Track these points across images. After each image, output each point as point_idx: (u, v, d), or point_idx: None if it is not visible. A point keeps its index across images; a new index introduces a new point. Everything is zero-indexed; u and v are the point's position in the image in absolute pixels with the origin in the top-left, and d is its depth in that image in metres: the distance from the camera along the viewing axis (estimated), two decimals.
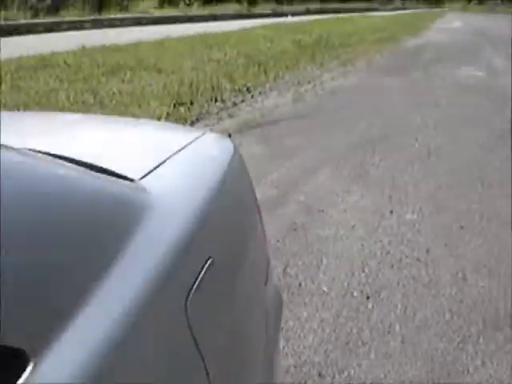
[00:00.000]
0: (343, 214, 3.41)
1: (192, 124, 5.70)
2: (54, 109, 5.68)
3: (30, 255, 0.58)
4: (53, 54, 9.09)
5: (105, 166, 0.94)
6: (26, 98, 6.13)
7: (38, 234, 0.60)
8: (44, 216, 0.63)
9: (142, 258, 0.70)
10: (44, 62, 8.44)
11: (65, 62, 8.49)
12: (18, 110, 5.58)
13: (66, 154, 0.97)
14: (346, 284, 2.61)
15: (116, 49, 10.20)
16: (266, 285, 1.22)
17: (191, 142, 1.20)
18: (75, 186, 0.73)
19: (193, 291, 0.76)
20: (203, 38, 12.55)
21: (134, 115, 5.58)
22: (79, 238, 0.66)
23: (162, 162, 1.01)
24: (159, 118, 5.53)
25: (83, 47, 10.08)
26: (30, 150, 0.94)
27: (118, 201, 0.75)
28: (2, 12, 14.71)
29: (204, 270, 0.80)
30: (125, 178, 0.87)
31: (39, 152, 0.95)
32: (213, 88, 7.08)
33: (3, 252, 0.52)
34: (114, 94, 6.53)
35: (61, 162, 0.87)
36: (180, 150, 1.11)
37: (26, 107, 5.71)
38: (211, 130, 5.43)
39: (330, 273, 2.70)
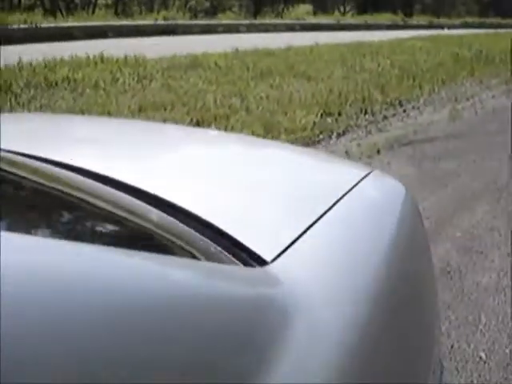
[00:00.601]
0: (506, 258, 2.93)
1: (338, 136, 5.38)
2: (200, 111, 5.60)
3: None
4: (205, 55, 9.15)
5: (213, 222, 0.65)
6: (175, 97, 6.12)
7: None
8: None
9: None
10: (195, 63, 8.50)
11: (215, 64, 8.50)
12: (165, 109, 5.57)
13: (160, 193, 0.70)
14: (508, 351, 2.17)
15: (267, 53, 10.11)
16: None
17: (351, 189, 0.85)
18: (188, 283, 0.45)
19: None
20: (356, 47, 12.17)
21: (279, 123, 5.37)
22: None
23: (308, 227, 0.67)
24: (305, 128, 5.28)
25: (236, 50, 10.10)
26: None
27: (245, 312, 0.45)
28: (163, 12, 15.26)
29: None
30: (253, 256, 0.57)
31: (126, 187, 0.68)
32: (363, 99, 6.72)
33: None
34: (261, 98, 6.37)
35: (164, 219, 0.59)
36: (336, 203, 0.78)
37: (173, 107, 5.69)
38: (358, 145, 5.08)
39: (489, 334, 2.27)
